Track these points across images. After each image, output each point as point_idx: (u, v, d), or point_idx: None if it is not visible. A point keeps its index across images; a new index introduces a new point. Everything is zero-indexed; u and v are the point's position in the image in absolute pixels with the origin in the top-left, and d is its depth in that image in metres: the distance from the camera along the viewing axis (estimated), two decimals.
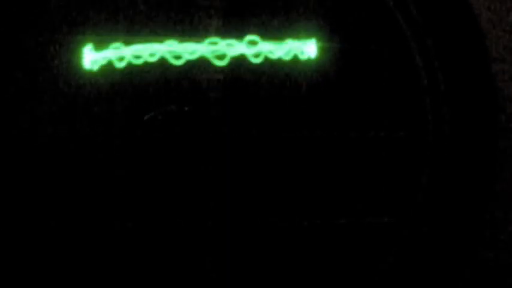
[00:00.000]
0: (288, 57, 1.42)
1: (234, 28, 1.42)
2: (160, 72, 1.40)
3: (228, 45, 1.41)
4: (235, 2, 1.42)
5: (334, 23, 1.44)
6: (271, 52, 1.42)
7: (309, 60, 1.43)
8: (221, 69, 1.41)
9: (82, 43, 1.40)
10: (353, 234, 1.44)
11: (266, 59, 1.42)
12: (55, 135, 1.40)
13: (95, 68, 1.40)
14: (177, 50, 1.40)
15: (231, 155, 1.42)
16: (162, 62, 1.40)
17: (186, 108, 1.40)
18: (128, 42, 1.40)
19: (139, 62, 1.40)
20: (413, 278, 1.44)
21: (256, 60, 1.41)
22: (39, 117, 1.40)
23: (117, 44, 1.40)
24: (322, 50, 1.44)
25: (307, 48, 1.43)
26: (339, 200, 1.44)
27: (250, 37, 1.41)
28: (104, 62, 1.40)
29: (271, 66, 1.42)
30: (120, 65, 1.40)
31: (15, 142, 1.39)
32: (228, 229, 1.42)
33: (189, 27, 1.42)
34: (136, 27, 1.41)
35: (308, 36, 1.43)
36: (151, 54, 1.40)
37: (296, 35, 1.43)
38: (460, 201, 1.44)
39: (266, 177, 1.43)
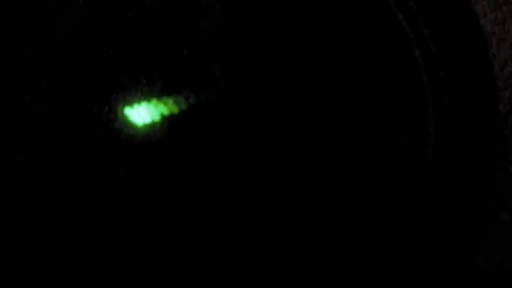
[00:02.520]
0: None
1: None
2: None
3: None
4: None
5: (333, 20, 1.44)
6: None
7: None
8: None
9: None
10: (353, 234, 1.44)
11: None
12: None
13: None
14: None
15: (231, 154, 1.43)
16: None
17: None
18: None
19: None
20: (414, 278, 1.44)
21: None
22: None
23: None
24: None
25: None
26: (339, 200, 1.44)
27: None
28: None
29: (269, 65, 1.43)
30: None
31: None
32: (228, 229, 1.43)
33: None
34: None
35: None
36: None
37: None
38: (461, 201, 1.44)
39: (265, 176, 1.44)
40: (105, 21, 1.39)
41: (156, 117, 1.41)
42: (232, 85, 1.42)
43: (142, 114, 1.41)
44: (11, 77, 1.38)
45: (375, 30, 1.44)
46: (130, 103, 1.41)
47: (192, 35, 1.41)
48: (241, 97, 1.42)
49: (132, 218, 1.40)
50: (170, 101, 1.41)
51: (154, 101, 1.41)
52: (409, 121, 1.45)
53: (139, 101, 1.41)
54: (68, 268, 1.40)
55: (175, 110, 1.41)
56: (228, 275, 1.42)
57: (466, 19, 1.41)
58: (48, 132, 1.38)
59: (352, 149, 1.44)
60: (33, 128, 1.38)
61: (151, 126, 1.41)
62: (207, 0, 1.41)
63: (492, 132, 1.40)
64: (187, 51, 1.41)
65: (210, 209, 1.42)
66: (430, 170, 1.45)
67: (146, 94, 1.41)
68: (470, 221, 1.43)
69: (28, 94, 1.38)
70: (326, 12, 1.44)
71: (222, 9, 1.42)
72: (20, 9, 1.38)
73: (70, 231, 1.40)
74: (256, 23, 1.42)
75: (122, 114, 1.41)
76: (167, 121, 1.41)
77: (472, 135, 1.43)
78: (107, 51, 1.40)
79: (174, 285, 1.42)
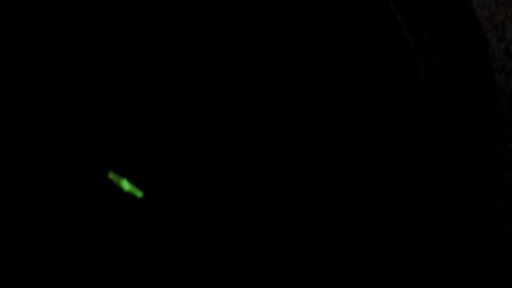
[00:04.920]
0: None
1: None
2: None
3: None
4: None
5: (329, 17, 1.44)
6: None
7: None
8: None
9: None
10: (353, 235, 1.44)
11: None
12: None
13: None
14: None
15: (231, 154, 1.42)
16: None
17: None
18: None
19: None
20: (414, 278, 1.44)
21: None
22: None
23: None
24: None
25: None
26: (339, 200, 1.44)
27: None
28: None
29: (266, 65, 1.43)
30: None
31: None
32: (228, 229, 1.43)
33: None
34: None
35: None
36: None
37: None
38: (461, 201, 1.44)
39: (265, 176, 1.43)
40: (104, 22, 1.39)
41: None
42: (232, 85, 1.42)
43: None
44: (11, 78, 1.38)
45: (374, 30, 1.44)
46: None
47: (191, 35, 1.41)
48: (241, 97, 1.42)
49: (134, 218, 1.40)
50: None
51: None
52: (408, 121, 1.45)
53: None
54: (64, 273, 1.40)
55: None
56: (228, 275, 1.42)
57: (465, 18, 1.40)
58: (46, 134, 1.39)
59: (352, 149, 1.44)
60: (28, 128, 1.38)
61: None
62: (206, 2, 1.41)
63: (492, 131, 1.40)
64: (186, 52, 1.41)
65: (210, 209, 1.42)
66: (430, 170, 1.44)
67: (146, 91, 1.41)
68: (470, 221, 1.42)
69: (28, 96, 1.38)
70: (325, 13, 1.44)
71: (222, 10, 1.42)
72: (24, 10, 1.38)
73: (69, 221, 1.40)
74: (256, 23, 1.42)
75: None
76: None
77: (472, 135, 1.43)
78: (105, 50, 1.40)
79: (175, 285, 1.42)
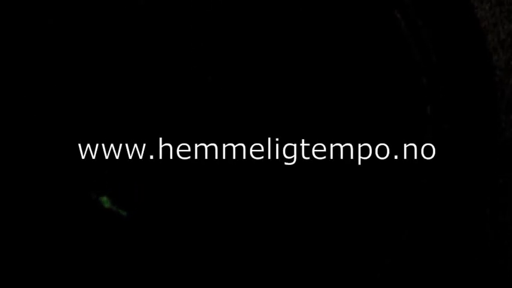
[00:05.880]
0: None
1: None
2: None
3: None
4: None
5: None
6: None
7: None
8: None
9: None
10: (351, 234, 1.44)
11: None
12: None
13: None
14: None
15: (229, 155, 1.42)
16: None
17: None
18: None
19: None
20: (413, 278, 1.44)
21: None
22: None
23: None
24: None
25: None
26: (338, 203, 1.44)
27: None
28: None
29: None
30: None
31: None
32: (226, 230, 1.42)
33: None
34: None
35: None
36: None
37: None
38: (460, 201, 1.44)
39: (268, 180, 1.43)
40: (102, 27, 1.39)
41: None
42: (231, 85, 1.42)
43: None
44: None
45: (374, 30, 1.44)
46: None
47: (187, 39, 1.41)
48: (241, 97, 1.42)
49: (135, 220, 1.40)
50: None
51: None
52: (407, 121, 1.45)
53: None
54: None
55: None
56: (225, 275, 1.42)
57: (463, 12, 1.40)
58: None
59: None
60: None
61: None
62: (202, 3, 1.40)
63: (491, 123, 1.40)
64: (182, 56, 1.41)
65: (208, 210, 1.42)
66: (430, 172, 1.44)
67: (143, 94, 1.41)
68: (468, 220, 1.42)
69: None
70: (326, 13, 1.44)
71: (222, 12, 1.42)
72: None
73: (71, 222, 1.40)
74: (254, 25, 1.42)
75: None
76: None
77: (471, 132, 1.43)
78: (105, 57, 1.39)
79: (174, 285, 1.41)
